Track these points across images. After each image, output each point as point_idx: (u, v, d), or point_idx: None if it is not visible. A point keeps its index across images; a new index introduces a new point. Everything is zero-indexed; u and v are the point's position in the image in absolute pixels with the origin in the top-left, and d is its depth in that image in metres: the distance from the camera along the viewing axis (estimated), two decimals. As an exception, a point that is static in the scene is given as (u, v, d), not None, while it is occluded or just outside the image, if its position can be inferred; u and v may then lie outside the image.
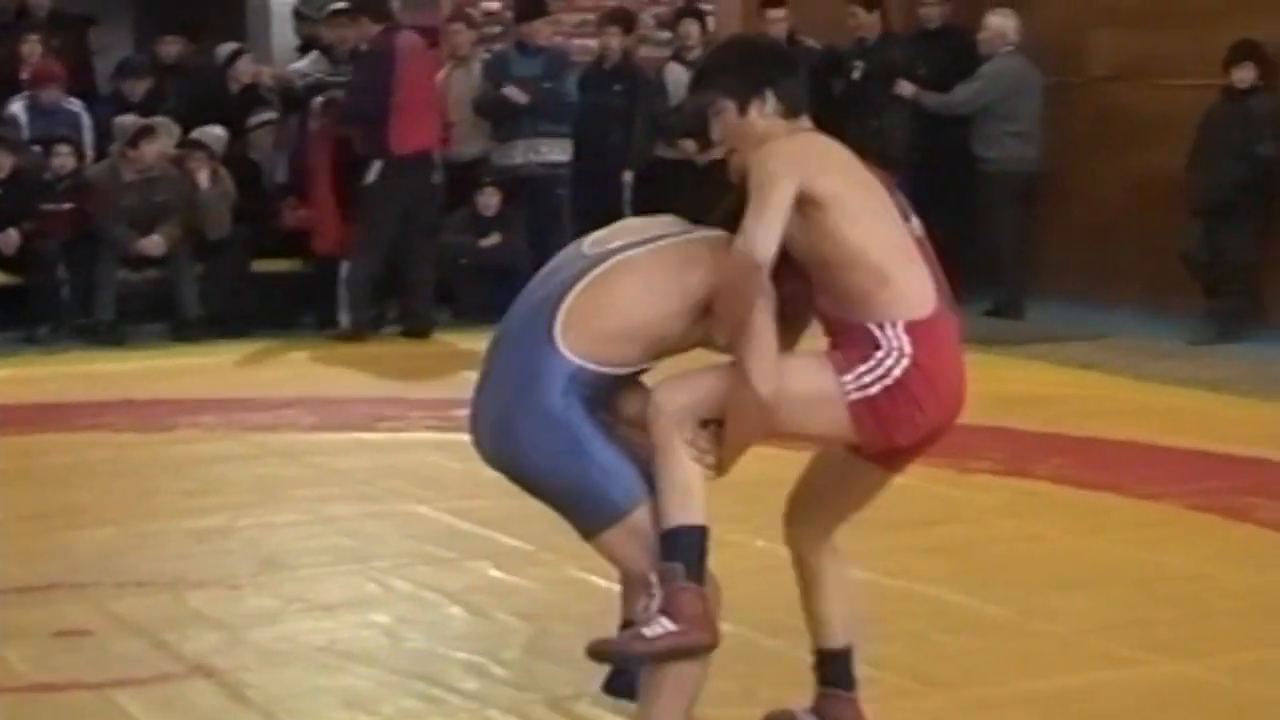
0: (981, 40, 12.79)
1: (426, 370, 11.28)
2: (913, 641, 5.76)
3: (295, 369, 11.41)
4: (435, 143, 12.55)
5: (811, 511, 4.81)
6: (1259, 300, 11.75)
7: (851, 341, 4.48)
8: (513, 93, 12.75)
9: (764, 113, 4.62)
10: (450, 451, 8.40)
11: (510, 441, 4.55)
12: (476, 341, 11.70)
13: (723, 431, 4.48)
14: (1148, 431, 9.00)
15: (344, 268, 12.44)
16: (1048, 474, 8.01)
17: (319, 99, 12.58)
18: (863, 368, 4.44)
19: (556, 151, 12.98)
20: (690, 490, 4.43)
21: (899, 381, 4.42)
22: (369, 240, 12.30)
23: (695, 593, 4.39)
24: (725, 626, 4.57)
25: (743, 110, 4.63)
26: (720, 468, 4.52)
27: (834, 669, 4.81)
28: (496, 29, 14.30)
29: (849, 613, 4.80)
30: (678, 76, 13.24)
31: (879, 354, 4.44)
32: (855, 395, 4.43)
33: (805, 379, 4.45)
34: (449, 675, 5.66)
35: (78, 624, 6.16)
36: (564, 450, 4.47)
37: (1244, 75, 11.56)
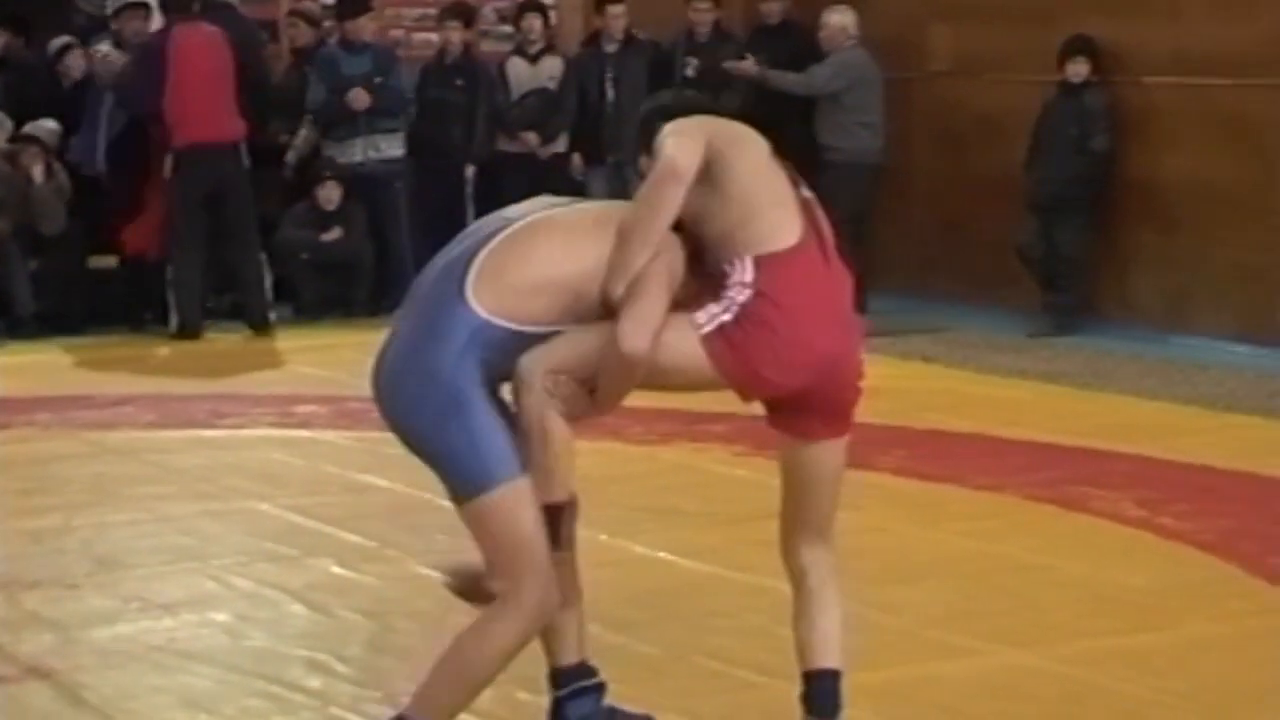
0: (823, 38, 12.82)
1: (267, 366, 11.20)
2: (756, 635, 5.79)
3: (132, 366, 11.27)
4: (231, 134, 12.21)
5: (786, 524, 4.84)
6: (1094, 293, 11.91)
7: (711, 289, 4.55)
8: (356, 97, 12.67)
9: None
10: (291, 448, 8.34)
11: (398, 400, 4.53)
12: (317, 337, 11.87)
13: (592, 389, 4.51)
14: (987, 423, 9.11)
15: (169, 269, 12.29)
16: (889, 466, 8.07)
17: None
18: (712, 304, 4.51)
19: (394, 147, 12.94)
20: (550, 471, 4.48)
21: (744, 308, 4.48)
22: (176, 236, 12.19)
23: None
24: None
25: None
26: (599, 414, 4.57)
27: (819, 690, 4.74)
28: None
29: (837, 635, 4.77)
30: (519, 71, 13.24)
31: (727, 290, 4.51)
32: (708, 329, 4.49)
33: (666, 327, 4.48)
34: (290, 673, 5.62)
35: (-90, 627, 6.08)
36: (443, 412, 4.44)
37: (1078, 70, 11.71)
